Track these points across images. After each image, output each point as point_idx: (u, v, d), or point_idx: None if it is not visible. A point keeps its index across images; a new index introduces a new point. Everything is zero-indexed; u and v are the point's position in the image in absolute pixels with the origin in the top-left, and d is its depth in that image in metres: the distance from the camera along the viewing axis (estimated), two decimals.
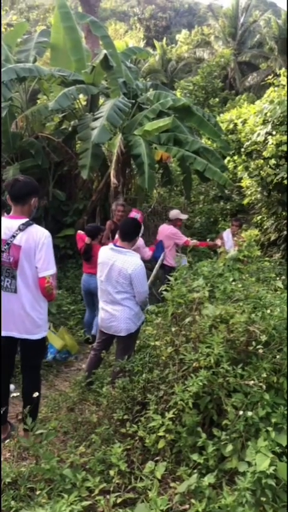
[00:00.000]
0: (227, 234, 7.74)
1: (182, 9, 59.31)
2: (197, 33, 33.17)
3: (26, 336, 3.31)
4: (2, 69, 6.89)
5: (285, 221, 10.29)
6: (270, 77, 10.28)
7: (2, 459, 3.02)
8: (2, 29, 12.98)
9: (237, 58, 27.82)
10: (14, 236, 3.17)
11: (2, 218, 3.29)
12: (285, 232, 10.18)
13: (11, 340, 3.32)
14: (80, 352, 5.72)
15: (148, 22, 44.19)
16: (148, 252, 6.41)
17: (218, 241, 7.54)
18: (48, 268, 3.23)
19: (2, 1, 20.87)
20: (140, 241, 6.09)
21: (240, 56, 28.31)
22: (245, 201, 11.56)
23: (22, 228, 3.19)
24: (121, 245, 4.16)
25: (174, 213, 7.48)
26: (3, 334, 3.25)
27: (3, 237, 3.18)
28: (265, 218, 11.14)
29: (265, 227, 11.09)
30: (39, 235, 3.22)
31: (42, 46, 9.08)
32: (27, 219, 3.26)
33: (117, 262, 4.04)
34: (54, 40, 8.90)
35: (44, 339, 3.53)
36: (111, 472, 2.77)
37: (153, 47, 32.28)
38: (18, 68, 7.28)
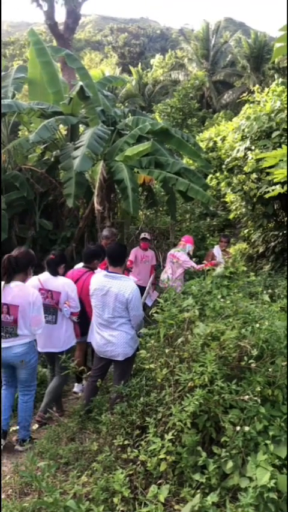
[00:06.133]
0: (217, 251, 7.83)
1: (154, 35, 60.97)
2: (170, 57, 34.04)
3: None
4: None
5: (271, 233, 10.46)
6: (245, 94, 10.57)
7: (4, 496, 3.00)
8: None
9: (212, 77, 28.57)
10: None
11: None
12: (272, 244, 10.33)
13: None
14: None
15: (122, 49, 45.28)
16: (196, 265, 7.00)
17: (208, 258, 7.63)
18: None
19: None
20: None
21: (214, 76, 29.10)
22: (231, 216, 11.74)
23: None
24: (113, 270, 4.21)
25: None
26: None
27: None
28: (252, 231, 11.32)
29: (253, 240, 11.26)
30: None
31: (20, 81, 9.26)
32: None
33: (113, 288, 4.07)
34: (31, 75, 9.09)
35: None
36: (115, 500, 2.77)
37: (129, 73, 33.05)
38: None
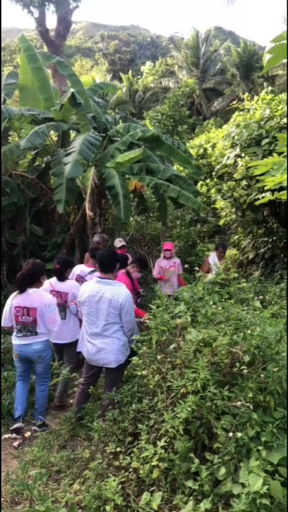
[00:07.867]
0: (212, 258, 7.81)
1: (144, 42, 61.44)
2: (161, 64, 34.31)
3: None
4: None
5: (261, 239, 10.54)
6: (234, 102, 10.67)
7: None
8: None
9: (202, 85, 28.83)
10: (86, 275, 5.85)
11: (80, 265, 6.19)
12: (262, 250, 10.41)
13: None
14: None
15: (113, 56, 45.52)
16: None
17: (205, 267, 7.62)
18: None
19: None
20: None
21: (204, 83, 29.38)
22: (221, 222, 11.80)
23: (90, 272, 5.82)
24: (105, 277, 4.20)
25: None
26: None
27: (81, 274, 5.93)
28: (242, 237, 11.40)
29: (242, 246, 11.33)
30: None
31: (11, 88, 9.26)
32: (93, 268, 5.80)
33: (106, 293, 4.07)
34: (22, 81, 9.10)
35: None
36: (108, 508, 2.75)
37: (120, 80, 33.22)
38: None
